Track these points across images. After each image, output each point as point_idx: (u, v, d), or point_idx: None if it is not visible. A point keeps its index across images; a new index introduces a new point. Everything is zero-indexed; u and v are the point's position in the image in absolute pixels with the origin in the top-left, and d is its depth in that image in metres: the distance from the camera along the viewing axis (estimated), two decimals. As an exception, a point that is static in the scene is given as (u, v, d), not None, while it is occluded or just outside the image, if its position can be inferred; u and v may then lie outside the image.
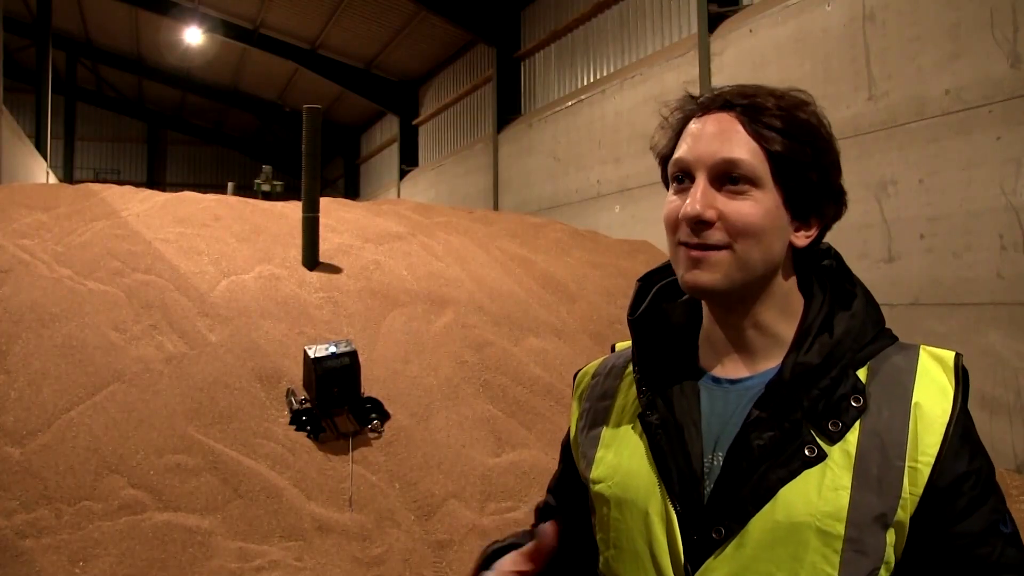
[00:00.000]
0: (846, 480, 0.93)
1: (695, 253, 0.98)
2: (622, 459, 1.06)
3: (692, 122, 1.03)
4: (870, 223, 5.39)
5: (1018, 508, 4.02)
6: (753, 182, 0.98)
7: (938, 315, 4.92)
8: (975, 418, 0.98)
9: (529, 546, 1.03)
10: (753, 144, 0.98)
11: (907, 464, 0.93)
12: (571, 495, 1.17)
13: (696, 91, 1.09)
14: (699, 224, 0.97)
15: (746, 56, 6.89)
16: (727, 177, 0.98)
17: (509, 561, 1.04)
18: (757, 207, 0.97)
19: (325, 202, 6.16)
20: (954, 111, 4.90)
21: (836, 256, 1.07)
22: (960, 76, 4.87)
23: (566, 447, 1.22)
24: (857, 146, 5.49)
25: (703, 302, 1.07)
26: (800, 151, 0.98)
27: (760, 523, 0.94)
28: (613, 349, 1.23)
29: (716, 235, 0.97)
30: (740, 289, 1.00)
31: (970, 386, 0.99)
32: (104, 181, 9.50)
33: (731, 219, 0.97)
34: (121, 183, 7.22)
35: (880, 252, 5.33)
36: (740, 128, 0.99)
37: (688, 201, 0.98)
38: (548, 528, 1.00)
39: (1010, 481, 4.24)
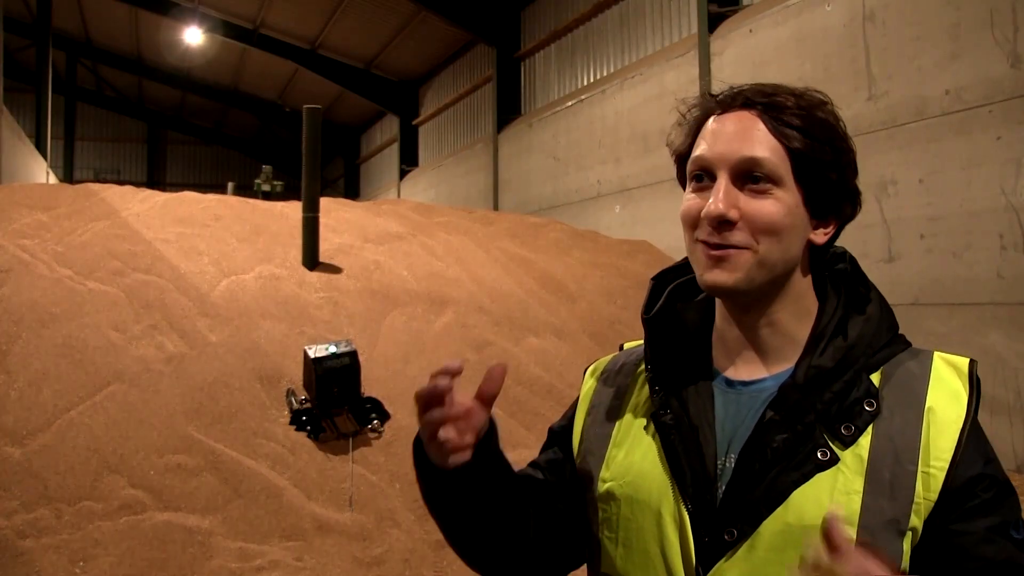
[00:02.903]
0: (858, 484, 0.92)
1: (716, 252, 0.97)
2: (634, 458, 1.05)
3: (711, 120, 1.02)
4: (870, 223, 5.39)
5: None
6: (775, 181, 0.97)
7: (938, 315, 4.92)
8: (975, 417, 0.98)
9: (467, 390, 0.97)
10: (774, 142, 0.98)
11: (920, 469, 0.92)
12: (560, 476, 1.15)
13: (696, 91, 1.09)
14: (722, 224, 0.96)
15: (746, 56, 6.89)
16: (749, 176, 0.97)
17: (455, 400, 0.96)
18: (779, 206, 0.97)
19: (325, 202, 6.16)
20: (954, 111, 4.90)
21: (851, 260, 1.07)
22: (960, 76, 4.87)
23: (560, 433, 1.19)
24: (857, 146, 5.48)
25: (717, 302, 1.07)
26: (820, 150, 0.98)
27: (772, 526, 0.93)
28: (621, 348, 1.22)
29: (738, 235, 0.96)
30: (760, 288, 0.99)
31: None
32: (104, 181, 9.50)
33: (754, 219, 0.96)
34: (121, 183, 7.21)
35: (880, 252, 5.33)
36: (761, 126, 0.98)
37: (711, 200, 0.97)
38: (497, 368, 0.96)
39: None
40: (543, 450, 1.22)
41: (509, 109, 12.55)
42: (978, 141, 4.74)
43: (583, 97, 10.06)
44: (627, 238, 7.78)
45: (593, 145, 9.70)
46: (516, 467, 1.13)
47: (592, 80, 10.45)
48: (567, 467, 1.15)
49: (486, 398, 0.98)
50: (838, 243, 1.08)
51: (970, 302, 4.76)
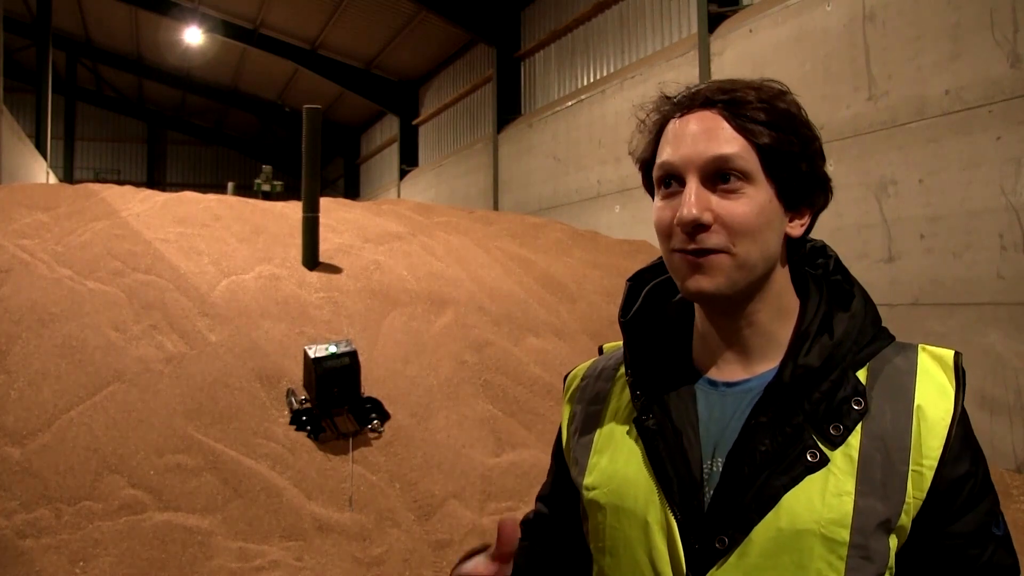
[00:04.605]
0: (849, 486, 0.91)
1: (694, 260, 0.95)
2: (617, 465, 1.03)
3: (672, 123, 1.00)
4: (870, 223, 5.39)
5: (1018, 508, 4.02)
6: (745, 177, 0.94)
7: (938, 315, 4.92)
8: (975, 418, 0.98)
9: (492, 547, 0.98)
10: (741, 139, 0.95)
11: (911, 468, 0.91)
12: (565, 502, 1.13)
13: None
14: (697, 228, 0.94)
15: (746, 56, 6.89)
16: (719, 176, 0.95)
17: (474, 565, 1.00)
18: (752, 204, 0.94)
19: (325, 202, 6.16)
20: (954, 111, 4.90)
21: (833, 256, 1.05)
22: (960, 76, 4.87)
23: (557, 453, 1.17)
24: (857, 146, 5.49)
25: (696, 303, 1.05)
26: (787, 141, 0.95)
27: (763, 531, 0.92)
28: (601, 351, 1.20)
29: (714, 238, 0.94)
30: (742, 291, 0.97)
31: (969, 386, 0.98)
32: (104, 181, 9.50)
33: (728, 220, 0.94)
34: (121, 183, 7.22)
35: (880, 252, 5.33)
36: (725, 124, 0.96)
37: (683, 206, 0.94)
38: (508, 523, 0.95)
39: (1010, 481, 4.23)
40: (549, 472, 1.21)
41: (509, 109, 12.55)
42: (978, 141, 4.74)
43: (583, 97, 10.06)
44: (627, 238, 7.78)
45: (593, 145, 9.70)
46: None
47: (592, 80, 10.44)
48: (566, 486, 1.13)
49: (506, 558, 0.99)
50: (830, 245, 1.07)
51: (970, 302, 4.76)
